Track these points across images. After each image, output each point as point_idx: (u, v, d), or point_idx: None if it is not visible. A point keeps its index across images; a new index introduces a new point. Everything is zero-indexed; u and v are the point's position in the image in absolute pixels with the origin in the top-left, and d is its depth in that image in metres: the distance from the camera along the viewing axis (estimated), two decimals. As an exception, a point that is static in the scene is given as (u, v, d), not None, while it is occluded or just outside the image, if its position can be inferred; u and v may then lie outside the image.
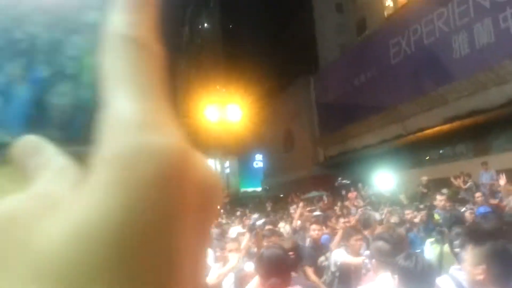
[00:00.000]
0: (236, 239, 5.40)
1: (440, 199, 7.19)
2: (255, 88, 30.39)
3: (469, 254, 2.08)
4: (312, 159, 27.70)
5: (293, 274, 3.26)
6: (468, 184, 11.46)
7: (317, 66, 28.97)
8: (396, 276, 2.21)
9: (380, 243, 3.16)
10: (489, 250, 1.98)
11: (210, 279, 3.70)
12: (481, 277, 1.93)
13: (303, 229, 7.02)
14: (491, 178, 12.10)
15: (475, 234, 2.16)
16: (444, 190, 7.73)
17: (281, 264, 2.73)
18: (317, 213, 10.02)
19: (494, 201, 7.73)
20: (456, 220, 4.96)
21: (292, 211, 12.29)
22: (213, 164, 43.59)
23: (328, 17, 29.60)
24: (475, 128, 15.61)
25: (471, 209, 6.56)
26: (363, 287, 3.18)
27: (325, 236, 6.08)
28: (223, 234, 7.29)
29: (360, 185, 18.14)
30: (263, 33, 35.94)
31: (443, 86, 16.54)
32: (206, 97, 33.69)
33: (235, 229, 7.52)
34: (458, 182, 12.07)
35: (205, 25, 52.23)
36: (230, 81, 34.94)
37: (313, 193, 20.09)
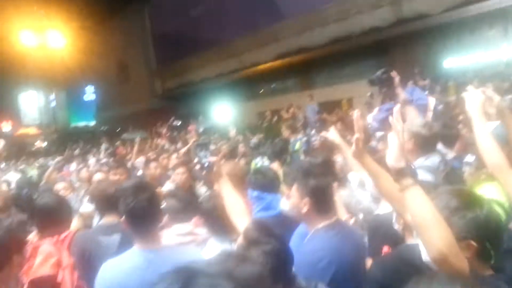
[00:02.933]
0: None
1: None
2: (80, 12, 27.22)
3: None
4: (150, 92, 26.91)
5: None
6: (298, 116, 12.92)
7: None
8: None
9: (172, 201, 3.16)
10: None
11: None
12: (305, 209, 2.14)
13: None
14: (312, 109, 13.77)
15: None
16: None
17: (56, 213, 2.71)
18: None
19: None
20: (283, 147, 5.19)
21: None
22: (35, 97, 38.81)
23: None
24: (302, 65, 17.19)
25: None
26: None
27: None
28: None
29: (200, 117, 18.65)
30: None
31: (275, 23, 17.46)
32: (20, 19, 29.02)
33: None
34: (287, 114, 13.54)
35: None
36: (49, 2, 30.49)
37: (128, 135, 19.79)
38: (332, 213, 2.22)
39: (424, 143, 2.83)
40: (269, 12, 17.63)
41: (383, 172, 1.92)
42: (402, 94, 3.03)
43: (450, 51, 13.15)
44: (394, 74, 3.01)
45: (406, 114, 3.10)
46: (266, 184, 3.05)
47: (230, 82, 20.64)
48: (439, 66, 13.41)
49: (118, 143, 16.43)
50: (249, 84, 20.42)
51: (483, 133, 2.13)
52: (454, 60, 13.06)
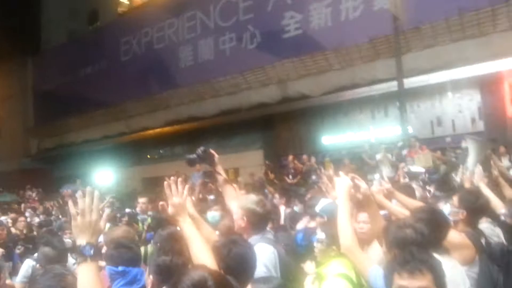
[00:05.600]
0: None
1: (142, 202, 6.66)
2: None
3: None
4: (23, 150, 24.51)
5: None
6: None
7: (39, 48, 25.98)
8: None
9: (46, 249, 3.62)
10: None
11: None
12: None
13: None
14: (198, 177, 13.65)
15: None
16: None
17: None
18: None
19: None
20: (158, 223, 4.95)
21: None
22: None
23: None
24: (191, 133, 17.31)
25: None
26: None
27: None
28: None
29: (78, 181, 17.30)
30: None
31: (168, 91, 17.65)
32: None
33: None
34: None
35: None
36: None
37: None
38: None
39: (257, 221, 2.82)
40: (162, 79, 17.83)
41: (198, 237, 2.08)
42: (222, 172, 3.14)
43: (327, 129, 14.47)
44: (213, 152, 3.10)
45: (225, 193, 3.19)
46: (131, 257, 2.92)
47: (116, 145, 19.85)
48: (318, 143, 14.57)
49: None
50: (136, 149, 19.82)
51: (344, 216, 2.31)
52: (330, 138, 14.34)
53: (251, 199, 2.87)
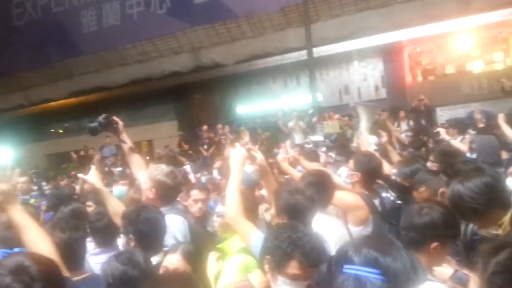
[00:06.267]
0: None
1: (22, 182, 5.89)
2: None
3: None
4: None
5: None
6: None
7: None
8: None
9: None
10: None
11: None
12: None
13: None
14: (110, 151, 13.04)
15: None
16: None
17: None
18: None
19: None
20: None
21: None
22: None
23: None
24: (99, 104, 16.23)
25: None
26: None
27: None
28: None
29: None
30: None
31: (70, 59, 16.30)
32: None
33: None
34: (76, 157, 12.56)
35: None
36: None
37: None
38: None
39: (167, 193, 2.73)
40: (63, 46, 16.35)
41: (32, 224, 1.91)
42: (127, 141, 2.99)
43: (241, 98, 14.46)
44: (117, 119, 2.94)
45: (132, 162, 3.06)
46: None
47: (14, 119, 18.09)
48: (233, 112, 14.54)
49: None
50: (37, 123, 18.24)
51: (234, 187, 2.26)
52: (244, 107, 14.37)
53: (161, 171, 2.75)
